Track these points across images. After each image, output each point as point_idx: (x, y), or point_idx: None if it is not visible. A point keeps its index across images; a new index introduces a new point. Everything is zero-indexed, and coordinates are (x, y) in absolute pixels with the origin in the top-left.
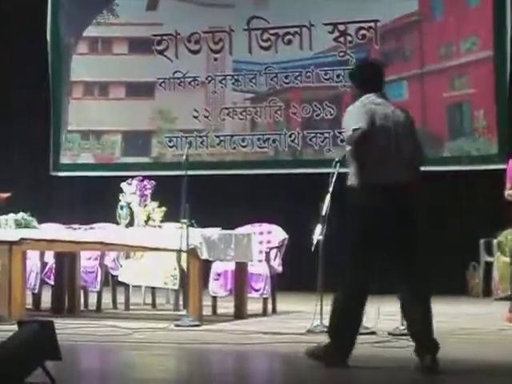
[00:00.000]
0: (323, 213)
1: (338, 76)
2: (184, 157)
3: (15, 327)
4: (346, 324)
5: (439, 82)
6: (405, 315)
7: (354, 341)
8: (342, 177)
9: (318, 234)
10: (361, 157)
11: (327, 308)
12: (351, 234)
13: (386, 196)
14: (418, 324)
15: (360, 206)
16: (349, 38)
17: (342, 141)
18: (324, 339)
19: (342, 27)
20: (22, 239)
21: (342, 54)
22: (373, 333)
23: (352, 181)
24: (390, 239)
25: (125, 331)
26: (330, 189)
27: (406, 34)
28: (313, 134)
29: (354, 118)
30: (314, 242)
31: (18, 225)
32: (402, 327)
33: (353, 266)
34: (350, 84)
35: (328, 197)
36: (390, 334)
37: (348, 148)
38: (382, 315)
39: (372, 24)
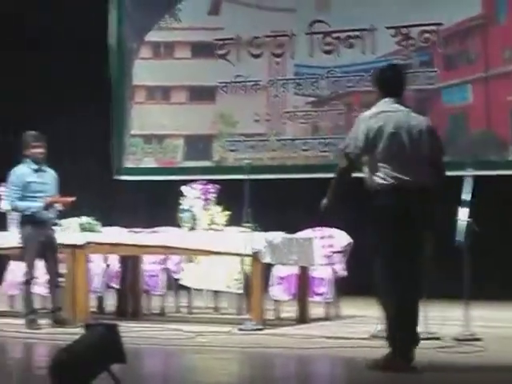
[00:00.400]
0: None
1: None
2: (246, 161)
3: (80, 330)
4: (401, 329)
5: (504, 86)
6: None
7: (412, 345)
8: None
9: None
10: (342, 179)
11: None
12: (376, 230)
13: (404, 196)
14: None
15: (379, 206)
16: (411, 42)
17: None
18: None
19: (404, 30)
20: (86, 243)
21: (404, 57)
22: (437, 338)
23: (369, 183)
24: (407, 235)
25: (188, 335)
26: None
27: (469, 38)
28: None
29: (354, 134)
30: None
31: (83, 228)
32: (468, 332)
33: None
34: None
35: None
36: (454, 339)
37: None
38: (446, 320)
39: (435, 27)
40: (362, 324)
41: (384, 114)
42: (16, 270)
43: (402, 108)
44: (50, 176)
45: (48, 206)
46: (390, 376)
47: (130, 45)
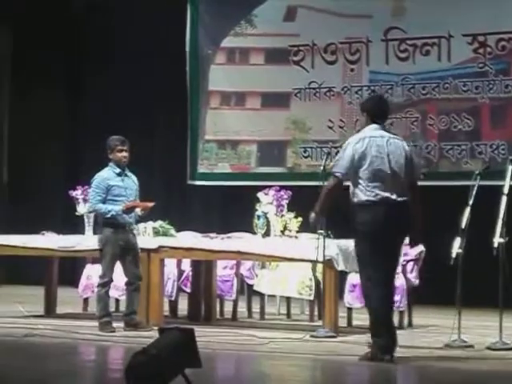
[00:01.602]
0: (463, 226)
1: (476, 88)
2: (321, 167)
3: (153, 333)
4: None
5: None
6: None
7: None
8: (482, 189)
9: (457, 247)
10: (329, 196)
11: (466, 323)
12: (359, 242)
13: (386, 210)
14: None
15: (361, 220)
16: (488, 50)
17: (480, 153)
18: (465, 353)
19: (481, 38)
20: (160, 247)
21: (481, 65)
22: (470, 346)
23: (354, 198)
24: (390, 246)
25: (260, 341)
26: (471, 202)
27: None
28: (450, 146)
29: (342, 157)
30: (453, 255)
31: (156, 233)
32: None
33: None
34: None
35: (468, 210)
36: (488, 348)
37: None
38: (479, 328)
39: None
40: (435, 333)
41: (369, 139)
42: (92, 273)
43: (386, 134)
44: (131, 181)
45: (128, 211)
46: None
47: (205, 51)
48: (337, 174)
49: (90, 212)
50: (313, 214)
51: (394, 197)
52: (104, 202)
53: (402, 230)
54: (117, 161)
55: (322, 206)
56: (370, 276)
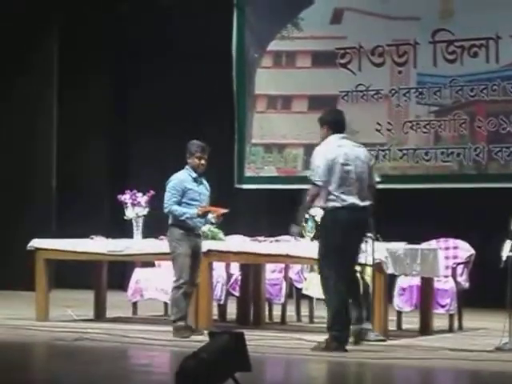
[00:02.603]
0: None
1: None
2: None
3: (202, 337)
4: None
5: None
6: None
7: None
8: None
9: (507, 250)
10: (311, 203)
11: None
12: (328, 243)
13: (355, 215)
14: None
15: (332, 223)
16: None
17: None
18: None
19: None
20: (208, 250)
21: None
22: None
23: (322, 203)
24: (352, 247)
25: (310, 344)
26: None
27: None
28: (498, 148)
29: (317, 167)
30: (504, 258)
31: (205, 236)
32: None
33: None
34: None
35: None
36: (497, 348)
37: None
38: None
39: None
40: (485, 336)
41: (337, 148)
42: (141, 277)
43: (348, 142)
44: (205, 187)
45: (202, 215)
46: None
47: (252, 54)
48: (318, 183)
49: (167, 213)
50: (295, 228)
51: (359, 202)
52: (179, 204)
53: (364, 232)
54: (194, 166)
55: (304, 214)
56: (331, 273)
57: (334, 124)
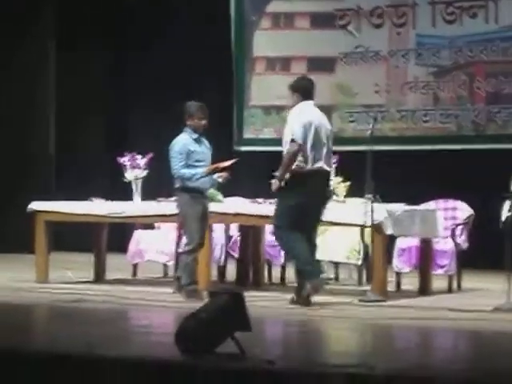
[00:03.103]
0: None
1: None
2: (369, 131)
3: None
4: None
5: None
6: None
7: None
8: None
9: (506, 210)
10: (292, 161)
11: None
12: (291, 203)
13: (322, 179)
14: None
15: (303, 184)
16: None
17: None
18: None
19: None
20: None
21: None
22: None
23: (296, 167)
24: (318, 209)
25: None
26: None
27: None
28: (497, 109)
29: (296, 127)
30: (503, 218)
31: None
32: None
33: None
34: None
35: None
36: (495, 308)
37: (287, 149)
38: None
39: None
40: (484, 297)
41: (308, 112)
42: (141, 239)
43: (317, 109)
44: (206, 146)
45: (211, 173)
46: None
47: (250, 16)
48: (299, 141)
49: (176, 178)
50: (275, 181)
51: (325, 166)
52: (187, 167)
53: (327, 196)
54: (195, 127)
55: (286, 172)
56: (291, 231)
57: (304, 91)
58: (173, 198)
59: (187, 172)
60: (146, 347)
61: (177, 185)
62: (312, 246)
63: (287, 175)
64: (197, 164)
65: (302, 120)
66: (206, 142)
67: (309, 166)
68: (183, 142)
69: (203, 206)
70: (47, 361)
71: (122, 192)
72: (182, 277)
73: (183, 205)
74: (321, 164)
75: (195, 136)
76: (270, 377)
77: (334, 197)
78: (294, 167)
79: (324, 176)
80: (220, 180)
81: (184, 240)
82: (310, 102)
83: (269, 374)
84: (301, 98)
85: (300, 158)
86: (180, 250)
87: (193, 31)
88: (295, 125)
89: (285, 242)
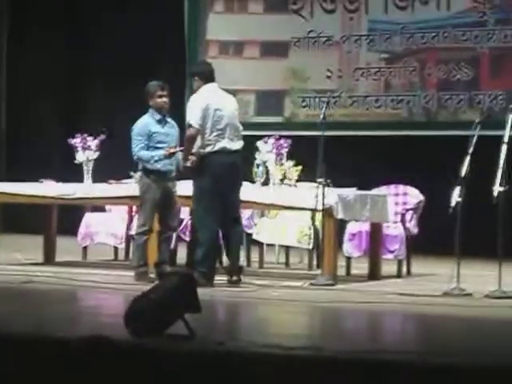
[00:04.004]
0: (462, 174)
1: (475, 37)
2: (321, 116)
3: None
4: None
5: None
6: (226, 245)
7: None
8: (480, 139)
9: (456, 196)
10: (191, 145)
11: (465, 272)
12: (201, 186)
13: (228, 159)
14: (236, 252)
15: (208, 165)
16: None
17: (478, 103)
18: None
19: None
20: None
21: (480, 14)
22: (469, 294)
23: (199, 149)
24: (227, 188)
25: (259, 288)
26: (471, 150)
27: None
28: (448, 96)
29: (193, 112)
30: (453, 204)
31: None
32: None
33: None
34: None
35: (468, 158)
36: (486, 296)
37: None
38: (478, 277)
39: None
40: (433, 282)
41: (207, 95)
42: (91, 222)
43: (220, 91)
44: (172, 127)
45: (170, 156)
46: (460, 333)
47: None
48: (195, 126)
49: (136, 160)
50: (184, 162)
51: (230, 146)
52: (147, 149)
53: (237, 175)
54: (157, 107)
55: (187, 156)
56: (204, 214)
57: (204, 75)
58: (124, 181)
59: (145, 154)
60: (95, 328)
61: (139, 167)
62: (228, 233)
63: (194, 158)
64: (159, 146)
65: (199, 105)
66: (172, 123)
67: (209, 149)
68: (144, 122)
69: (165, 188)
70: None
71: (74, 173)
72: (132, 259)
73: (142, 187)
74: (224, 144)
75: (158, 117)
76: (220, 358)
77: (286, 181)
78: (195, 151)
79: (229, 155)
80: (188, 164)
81: (137, 222)
82: (212, 85)
83: (218, 355)
84: (202, 83)
85: (199, 141)
86: (133, 233)
87: (146, 15)
88: (192, 110)
89: (198, 226)
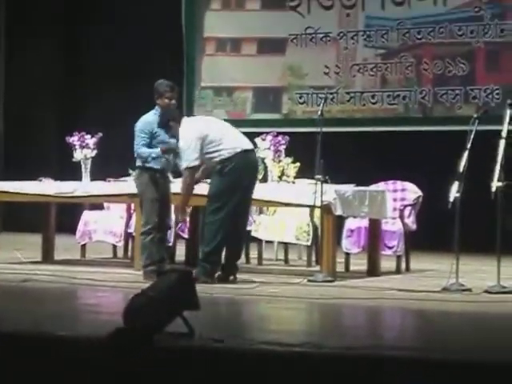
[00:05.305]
0: (461, 170)
1: (471, 32)
2: (319, 113)
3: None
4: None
5: None
6: (228, 246)
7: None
8: (476, 134)
9: (454, 191)
10: (190, 190)
11: (463, 267)
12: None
13: (247, 157)
14: (237, 253)
15: (221, 176)
16: None
17: (474, 98)
18: (463, 297)
19: None
20: None
21: (476, 9)
22: (468, 290)
23: (209, 168)
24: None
25: (258, 285)
26: (468, 145)
27: None
28: (444, 91)
29: (190, 149)
30: (451, 199)
31: None
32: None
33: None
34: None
35: (466, 154)
36: (485, 291)
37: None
38: (477, 272)
39: None
40: (432, 278)
41: (190, 126)
42: (89, 220)
43: (193, 118)
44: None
45: (167, 152)
46: (457, 329)
47: None
48: (191, 165)
49: (136, 156)
50: (182, 213)
51: (226, 154)
52: (149, 147)
53: (255, 173)
54: (164, 107)
55: (187, 202)
56: (220, 215)
57: (174, 117)
58: (122, 178)
59: (144, 151)
60: (94, 326)
61: (138, 163)
62: (237, 236)
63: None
64: (160, 145)
65: (189, 137)
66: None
67: (218, 159)
68: (148, 120)
69: (163, 186)
70: None
71: (72, 171)
72: (141, 258)
73: (141, 184)
74: (224, 154)
75: (163, 121)
76: (219, 355)
77: (284, 177)
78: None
79: (246, 153)
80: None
81: (141, 221)
82: (184, 119)
83: (217, 352)
84: (177, 124)
85: (203, 167)
86: (131, 230)
87: (144, 12)
88: (189, 147)
89: (212, 227)
